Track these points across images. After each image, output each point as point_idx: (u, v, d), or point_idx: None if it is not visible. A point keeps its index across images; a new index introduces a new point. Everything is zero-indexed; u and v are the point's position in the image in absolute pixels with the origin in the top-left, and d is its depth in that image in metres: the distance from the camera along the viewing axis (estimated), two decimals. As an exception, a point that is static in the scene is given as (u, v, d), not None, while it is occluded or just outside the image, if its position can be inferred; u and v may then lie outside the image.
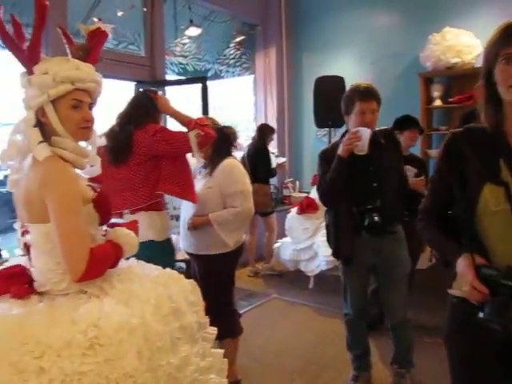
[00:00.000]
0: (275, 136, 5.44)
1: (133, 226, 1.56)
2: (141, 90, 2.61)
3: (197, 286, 1.59)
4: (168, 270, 1.58)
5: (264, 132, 5.10)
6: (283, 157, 5.82)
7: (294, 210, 4.58)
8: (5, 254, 3.43)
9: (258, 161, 4.94)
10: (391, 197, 2.48)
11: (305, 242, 4.40)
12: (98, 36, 1.50)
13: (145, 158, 2.38)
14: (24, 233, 1.41)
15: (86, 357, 1.14)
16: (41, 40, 1.37)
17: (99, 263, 1.33)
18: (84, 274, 1.27)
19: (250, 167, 4.77)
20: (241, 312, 3.50)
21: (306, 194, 5.08)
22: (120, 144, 2.39)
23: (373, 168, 2.49)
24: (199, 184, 2.70)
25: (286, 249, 4.63)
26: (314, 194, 4.56)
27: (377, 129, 2.54)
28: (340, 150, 2.44)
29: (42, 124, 1.37)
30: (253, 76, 6.47)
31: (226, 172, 2.68)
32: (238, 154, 4.56)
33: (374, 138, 2.42)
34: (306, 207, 4.37)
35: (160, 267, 1.58)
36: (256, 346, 3.26)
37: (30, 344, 1.13)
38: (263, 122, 6.42)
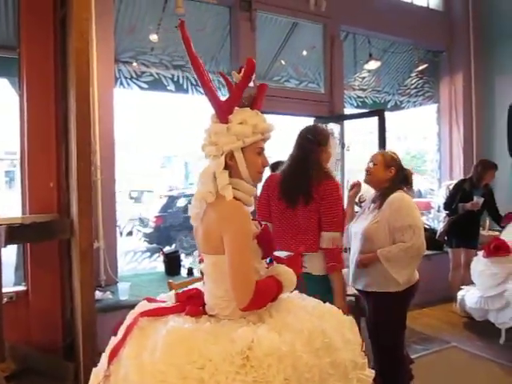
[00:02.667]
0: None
1: (294, 261, 1.61)
2: (307, 132, 2.56)
3: (355, 324, 1.57)
4: (327, 304, 1.61)
5: (478, 168, 4.62)
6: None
7: (481, 252, 4.09)
8: (196, 273, 3.92)
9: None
10: None
11: (494, 288, 3.87)
12: (260, 87, 1.62)
13: (318, 206, 2.40)
14: (200, 261, 1.59)
15: (238, 374, 1.25)
16: (242, 93, 1.54)
17: (262, 296, 1.42)
18: (249, 304, 1.37)
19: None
20: (414, 357, 3.27)
21: (497, 234, 4.51)
22: (301, 189, 2.41)
23: None
24: (367, 219, 2.67)
25: (473, 296, 4.15)
26: (505, 235, 4.02)
27: None
28: None
29: (226, 167, 1.50)
30: (436, 105, 6.14)
31: (393, 206, 2.58)
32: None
33: None
34: (495, 250, 3.86)
35: (319, 300, 1.61)
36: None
37: (195, 355, 1.27)
38: (447, 152, 6.01)
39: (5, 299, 3.30)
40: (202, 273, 1.58)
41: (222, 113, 1.51)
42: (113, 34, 3.71)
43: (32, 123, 3.42)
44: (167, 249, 4.48)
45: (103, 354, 1.54)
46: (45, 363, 3.28)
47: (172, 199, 8.69)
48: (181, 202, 8.65)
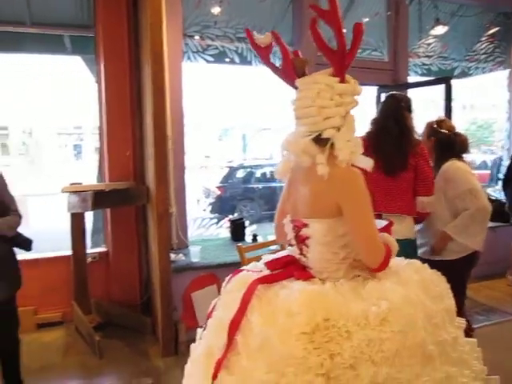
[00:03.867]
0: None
1: (388, 229, 1.63)
2: (393, 95, 2.69)
3: (441, 275, 1.58)
4: (412, 260, 1.62)
5: None
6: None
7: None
8: (260, 239, 4.09)
9: None
10: None
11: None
12: None
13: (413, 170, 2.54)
14: (298, 226, 1.51)
15: (383, 326, 1.28)
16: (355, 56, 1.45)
17: (389, 257, 1.45)
18: (381, 264, 1.41)
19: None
20: (476, 326, 3.27)
21: None
22: (398, 156, 2.52)
23: None
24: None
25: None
26: None
27: None
28: None
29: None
30: (508, 70, 5.82)
31: (446, 175, 2.61)
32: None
33: None
34: None
35: (402, 258, 1.63)
36: (488, 364, 2.98)
37: (334, 314, 1.28)
38: (519, 121, 5.73)
39: (89, 259, 3.66)
40: (299, 239, 1.51)
41: (344, 71, 1.45)
42: (181, 8, 3.84)
43: (110, 97, 3.68)
44: (231, 217, 4.69)
45: (199, 330, 1.58)
46: (125, 317, 3.62)
47: (232, 170, 8.92)
48: (240, 173, 8.87)
